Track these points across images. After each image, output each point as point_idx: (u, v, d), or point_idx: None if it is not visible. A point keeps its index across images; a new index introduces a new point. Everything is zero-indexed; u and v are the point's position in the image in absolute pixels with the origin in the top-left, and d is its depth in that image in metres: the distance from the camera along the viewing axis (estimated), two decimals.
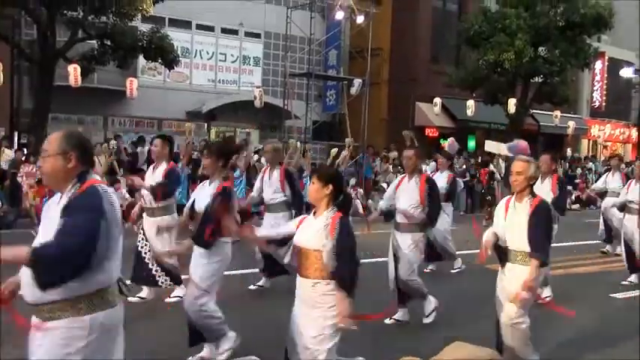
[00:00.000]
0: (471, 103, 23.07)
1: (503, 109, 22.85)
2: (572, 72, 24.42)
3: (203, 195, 5.11)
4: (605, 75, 31.59)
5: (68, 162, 2.87)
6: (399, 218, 6.42)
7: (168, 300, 6.92)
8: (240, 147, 7.92)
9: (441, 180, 8.83)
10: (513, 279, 4.60)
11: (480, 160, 20.58)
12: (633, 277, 8.89)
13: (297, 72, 22.71)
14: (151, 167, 7.12)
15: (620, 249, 9.53)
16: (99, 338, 2.81)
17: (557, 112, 25.92)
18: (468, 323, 6.40)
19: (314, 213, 3.98)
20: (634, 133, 30.07)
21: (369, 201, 16.87)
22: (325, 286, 3.81)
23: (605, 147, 33.72)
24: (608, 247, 11.53)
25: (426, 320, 6.42)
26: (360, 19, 21.08)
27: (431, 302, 6.48)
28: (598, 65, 30.79)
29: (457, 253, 9.37)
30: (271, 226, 7.35)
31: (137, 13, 15.49)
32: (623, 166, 13.23)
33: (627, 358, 5.75)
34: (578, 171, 24.07)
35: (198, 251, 4.99)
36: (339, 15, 21.42)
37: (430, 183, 6.47)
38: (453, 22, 25.43)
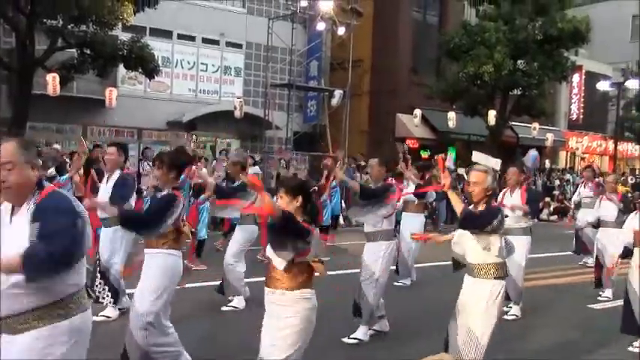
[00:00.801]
0: (451, 114, 23.27)
1: (483, 121, 23.07)
2: (550, 85, 24.75)
3: None
4: (583, 88, 32.04)
5: (35, 171, 2.84)
6: (367, 227, 6.39)
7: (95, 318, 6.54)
8: (193, 158, 7.78)
9: (412, 190, 8.83)
10: (471, 292, 4.48)
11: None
12: (608, 292, 8.90)
13: (278, 82, 22.75)
14: (106, 177, 6.78)
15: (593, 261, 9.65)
16: (77, 342, 2.81)
17: (536, 125, 26.26)
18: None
19: None
20: (610, 145, 30.41)
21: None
22: (280, 296, 3.77)
23: (582, 159, 34.17)
24: (586, 260, 11.53)
25: (346, 340, 6.15)
26: (341, 30, 21.20)
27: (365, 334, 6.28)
28: (575, 78, 31.23)
29: (433, 264, 9.40)
30: (242, 238, 7.39)
31: (117, 23, 15.39)
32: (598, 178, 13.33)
33: None
34: (556, 183, 24.34)
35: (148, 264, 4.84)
36: (321, 26, 21.50)
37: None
38: (433, 35, 25.65)
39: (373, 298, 6.14)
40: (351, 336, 6.16)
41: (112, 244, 6.51)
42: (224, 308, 7.22)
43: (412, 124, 24.13)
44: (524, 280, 7.67)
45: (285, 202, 3.80)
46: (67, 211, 2.73)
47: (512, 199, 7.43)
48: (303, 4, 20.70)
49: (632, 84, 28.46)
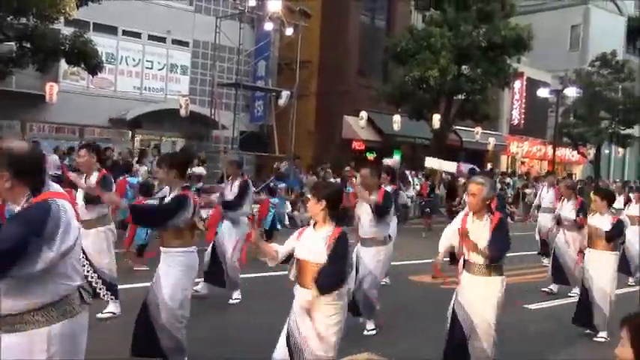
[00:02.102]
0: (396, 117, 23.58)
1: (427, 125, 23.44)
2: (493, 90, 25.35)
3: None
4: (524, 94, 32.93)
5: (4, 182, 2.72)
6: (362, 233, 6.69)
7: (100, 316, 6.41)
8: (193, 157, 8.01)
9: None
10: (472, 290, 4.89)
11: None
12: (553, 286, 9.41)
13: (225, 82, 22.59)
14: (82, 178, 6.68)
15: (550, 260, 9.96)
16: (61, 350, 2.76)
17: (479, 129, 26.87)
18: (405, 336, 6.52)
19: (314, 225, 4.17)
20: (549, 150, 31.34)
21: (295, 212, 16.91)
22: (326, 296, 3.98)
23: (522, 163, 35.14)
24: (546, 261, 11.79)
25: (366, 333, 6.68)
26: (289, 31, 21.21)
27: (377, 317, 6.80)
28: (517, 85, 32.07)
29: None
30: (229, 229, 7.74)
31: (60, 16, 14.99)
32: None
33: None
34: (498, 186, 24.93)
35: (165, 261, 5.04)
36: (269, 26, 21.47)
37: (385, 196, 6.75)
38: (380, 38, 25.93)
39: (376, 296, 6.70)
40: (368, 328, 6.67)
41: (95, 245, 6.43)
42: (230, 301, 7.70)
43: (358, 126, 24.33)
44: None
45: (311, 204, 4.20)
46: (25, 224, 2.63)
47: None
48: (252, 3, 20.63)
49: (570, 92, 29.43)
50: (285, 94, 21.64)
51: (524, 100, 33.10)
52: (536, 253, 12.30)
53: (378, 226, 6.57)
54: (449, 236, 5.19)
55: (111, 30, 21.24)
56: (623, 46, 39.84)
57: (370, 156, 25.82)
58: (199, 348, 5.44)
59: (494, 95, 27.24)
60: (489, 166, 27.82)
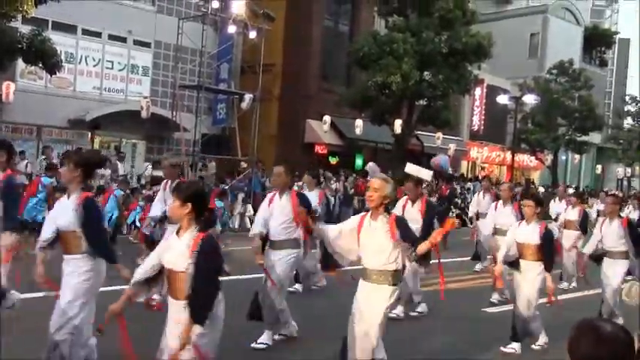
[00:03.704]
0: (359, 122, 23.72)
1: (389, 129, 23.61)
2: (454, 97, 25.66)
3: (62, 210, 4.78)
4: (484, 101, 33.49)
5: None
6: (273, 236, 6.33)
7: None
8: (104, 159, 7.41)
9: (312, 199, 8.72)
10: (366, 298, 4.67)
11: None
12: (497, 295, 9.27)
13: (187, 84, 22.38)
14: None
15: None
16: None
17: (440, 134, 27.21)
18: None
19: (177, 232, 3.82)
20: (508, 156, 31.92)
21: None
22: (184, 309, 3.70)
23: (482, 168, 35.68)
24: (479, 266, 11.99)
25: (254, 345, 6.16)
26: (252, 34, 21.12)
27: (294, 327, 6.42)
28: (478, 91, 32.59)
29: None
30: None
31: (17, 14, 14.67)
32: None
33: None
34: (458, 190, 25.26)
35: (67, 270, 4.70)
36: (232, 29, 21.35)
37: (301, 198, 6.42)
38: (343, 43, 26.05)
39: (279, 302, 6.20)
40: (259, 341, 6.16)
41: None
42: None
43: (321, 130, 24.38)
44: (424, 285, 8.00)
45: (175, 206, 3.77)
46: None
47: (412, 210, 7.65)
48: (215, 5, 20.48)
49: (528, 99, 30.01)
50: (247, 97, 21.55)
51: (484, 107, 33.67)
52: (470, 258, 12.42)
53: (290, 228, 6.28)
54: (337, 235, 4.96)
55: (70, 29, 20.88)
56: (580, 55, 40.84)
57: (333, 160, 25.90)
58: None
59: (455, 101, 27.58)
60: (450, 170, 28.15)
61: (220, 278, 3.82)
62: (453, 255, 12.93)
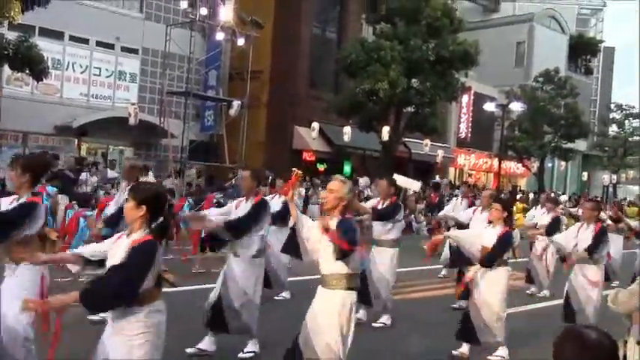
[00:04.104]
0: (347, 129, 23.77)
1: (377, 136, 23.68)
2: (442, 104, 25.81)
3: None
4: (471, 108, 33.69)
5: None
6: (238, 245, 6.05)
7: None
8: (50, 164, 7.19)
9: (277, 204, 8.49)
10: (319, 304, 4.48)
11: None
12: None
13: (175, 90, 22.36)
14: None
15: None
16: None
17: (427, 141, 27.30)
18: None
19: (128, 234, 3.67)
20: (495, 163, 32.18)
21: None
22: (132, 313, 3.50)
23: (470, 175, 35.82)
24: (444, 272, 11.71)
25: (241, 355, 6.00)
26: (240, 41, 21.17)
27: (255, 345, 6.09)
28: (465, 99, 32.75)
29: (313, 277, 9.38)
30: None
31: (3, 20, 14.60)
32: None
33: None
34: (445, 198, 25.35)
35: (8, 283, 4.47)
36: (220, 36, 21.39)
37: (260, 202, 6.17)
38: (332, 50, 26.14)
39: (251, 316, 5.99)
40: (246, 350, 6.02)
41: None
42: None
43: (309, 136, 24.41)
44: (395, 293, 7.93)
45: (129, 207, 3.60)
46: None
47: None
48: (203, 12, 20.51)
49: (515, 106, 30.24)
50: (236, 103, 21.57)
51: (471, 114, 33.86)
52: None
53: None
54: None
55: (57, 35, 20.82)
56: (566, 64, 41.22)
57: (321, 167, 25.93)
58: None
59: (443, 108, 27.73)
60: (437, 177, 28.28)
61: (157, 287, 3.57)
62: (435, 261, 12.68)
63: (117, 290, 3.36)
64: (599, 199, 24.48)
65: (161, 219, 3.61)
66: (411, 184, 10.38)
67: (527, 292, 10.69)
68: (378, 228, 7.70)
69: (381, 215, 7.62)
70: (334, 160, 25.83)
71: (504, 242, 6.37)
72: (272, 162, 24.45)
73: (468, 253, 6.60)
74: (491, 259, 6.34)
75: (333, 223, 4.45)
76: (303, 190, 19.62)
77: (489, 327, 6.40)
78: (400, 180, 9.57)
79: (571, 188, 41.94)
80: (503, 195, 19.86)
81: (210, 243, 6.44)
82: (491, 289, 6.39)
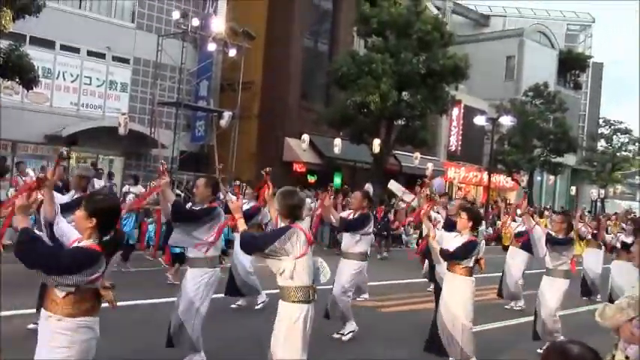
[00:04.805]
0: (338, 141, 23.81)
1: (368, 149, 23.72)
2: (432, 117, 25.92)
3: None
4: (461, 121, 33.84)
5: None
6: (191, 253, 5.91)
7: None
8: (4, 169, 7.03)
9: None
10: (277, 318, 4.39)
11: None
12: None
13: (166, 100, 22.34)
14: None
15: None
16: None
17: (418, 154, 27.39)
18: None
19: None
20: (485, 176, 32.33)
21: (234, 234, 16.75)
22: (56, 322, 3.38)
23: (460, 188, 35.93)
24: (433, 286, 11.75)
25: None
26: (232, 52, 21.22)
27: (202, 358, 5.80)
28: (455, 112, 32.93)
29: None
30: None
31: None
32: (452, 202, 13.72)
33: None
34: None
35: None
36: (212, 47, 21.43)
37: (212, 207, 5.98)
38: (323, 62, 26.22)
39: (194, 329, 5.73)
40: None
41: None
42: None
43: (300, 148, 24.42)
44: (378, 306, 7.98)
45: (79, 217, 3.52)
46: None
47: None
48: (195, 23, 20.55)
49: (505, 120, 30.44)
50: (227, 114, 21.57)
51: (461, 127, 34.01)
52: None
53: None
54: None
55: (48, 44, 20.76)
56: (555, 78, 41.57)
57: (311, 178, 25.92)
58: None
59: (433, 121, 27.84)
60: (428, 191, 28.31)
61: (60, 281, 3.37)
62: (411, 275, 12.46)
63: (40, 258, 3.26)
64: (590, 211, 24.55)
65: (112, 233, 3.53)
66: (404, 194, 10.36)
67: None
68: (347, 240, 7.60)
69: (349, 226, 7.50)
70: (325, 171, 25.83)
71: (467, 248, 6.32)
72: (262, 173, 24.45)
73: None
74: (446, 254, 6.40)
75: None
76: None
77: (456, 339, 6.31)
78: (394, 187, 9.51)
79: (560, 202, 42.15)
80: (472, 205, 19.81)
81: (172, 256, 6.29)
82: (455, 300, 6.35)
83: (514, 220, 11.26)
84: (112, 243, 3.55)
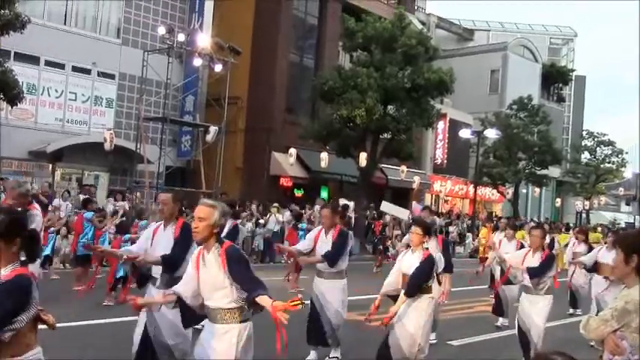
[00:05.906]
0: (324, 155, 23.86)
1: (354, 162, 23.79)
2: (418, 130, 26.05)
3: None
4: (447, 135, 34.03)
5: None
6: (154, 272, 5.49)
7: None
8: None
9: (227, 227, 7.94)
10: (215, 339, 4.05)
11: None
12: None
13: (151, 116, 22.29)
14: None
15: None
16: None
17: (404, 167, 27.49)
18: None
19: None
20: (471, 189, 32.53)
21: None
22: None
23: (446, 201, 36.08)
24: None
25: None
26: (218, 67, 21.23)
27: None
28: (440, 125, 33.11)
29: None
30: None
31: None
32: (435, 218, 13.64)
33: None
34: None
35: None
36: (197, 62, 21.44)
37: (186, 230, 5.22)
38: (308, 77, 26.33)
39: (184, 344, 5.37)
40: None
41: None
42: None
43: (287, 162, 24.43)
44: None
45: None
46: None
47: (327, 239, 7.08)
48: (180, 39, 20.57)
49: (490, 133, 30.67)
50: (213, 129, 21.55)
51: (447, 140, 34.20)
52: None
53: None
54: None
55: (33, 60, 20.68)
56: (539, 92, 41.98)
57: (298, 193, 25.93)
58: None
59: (419, 135, 27.98)
60: (414, 204, 28.40)
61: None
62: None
63: None
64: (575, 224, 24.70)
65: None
66: (399, 212, 10.35)
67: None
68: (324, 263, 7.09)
69: (335, 256, 6.97)
70: (311, 185, 25.86)
71: (426, 269, 5.87)
72: (249, 188, 24.45)
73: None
74: (413, 288, 5.84)
75: (212, 254, 4.06)
76: (281, 217, 19.59)
77: (404, 353, 5.85)
78: (387, 208, 9.40)
79: (545, 214, 42.42)
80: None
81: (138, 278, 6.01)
82: (412, 318, 5.88)
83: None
84: (29, 254, 3.18)
